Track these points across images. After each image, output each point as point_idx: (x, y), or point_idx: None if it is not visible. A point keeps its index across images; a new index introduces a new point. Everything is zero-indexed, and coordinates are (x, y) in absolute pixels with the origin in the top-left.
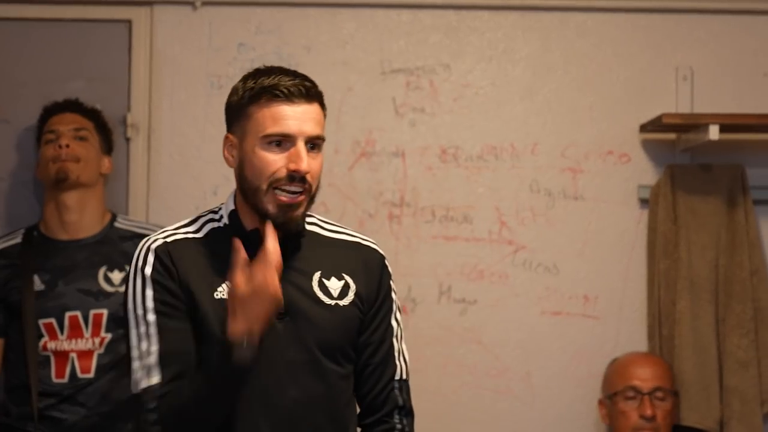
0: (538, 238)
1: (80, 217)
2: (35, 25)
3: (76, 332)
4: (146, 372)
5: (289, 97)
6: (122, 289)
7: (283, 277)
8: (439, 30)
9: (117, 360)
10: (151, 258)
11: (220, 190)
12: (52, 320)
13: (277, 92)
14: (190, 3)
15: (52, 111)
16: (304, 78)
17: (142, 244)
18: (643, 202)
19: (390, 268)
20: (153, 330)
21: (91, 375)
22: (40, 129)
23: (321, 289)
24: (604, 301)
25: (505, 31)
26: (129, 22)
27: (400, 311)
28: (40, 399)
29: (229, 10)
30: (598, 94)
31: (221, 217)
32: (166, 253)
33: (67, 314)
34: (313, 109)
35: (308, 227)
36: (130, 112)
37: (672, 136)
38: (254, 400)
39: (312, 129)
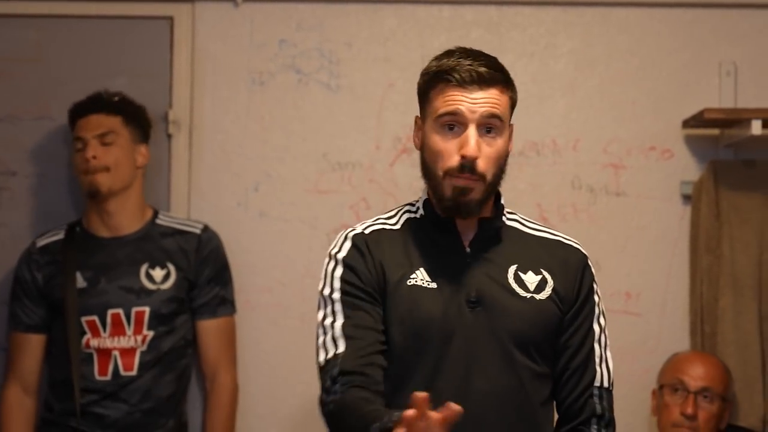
0: (580, 234)
1: (121, 217)
2: (77, 22)
3: (118, 330)
4: (333, 342)
5: (462, 83)
6: (164, 286)
7: (478, 268)
8: (480, 26)
9: (159, 357)
10: (347, 245)
11: (261, 187)
12: (95, 317)
13: (449, 77)
14: (232, 0)
15: (76, 113)
16: (484, 64)
17: (340, 235)
18: (686, 198)
19: (594, 270)
20: (338, 307)
21: (134, 372)
22: (72, 131)
23: (516, 282)
24: (646, 298)
25: (546, 26)
26: (171, 18)
27: (604, 316)
28: (83, 395)
29: (270, 7)
30: (641, 89)
31: (417, 208)
32: (362, 241)
33: (110, 312)
34: (488, 93)
35: (509, 222)
36: (171, 109)
37: (715, 131)
38: (441, 390)
39: (484, 109)
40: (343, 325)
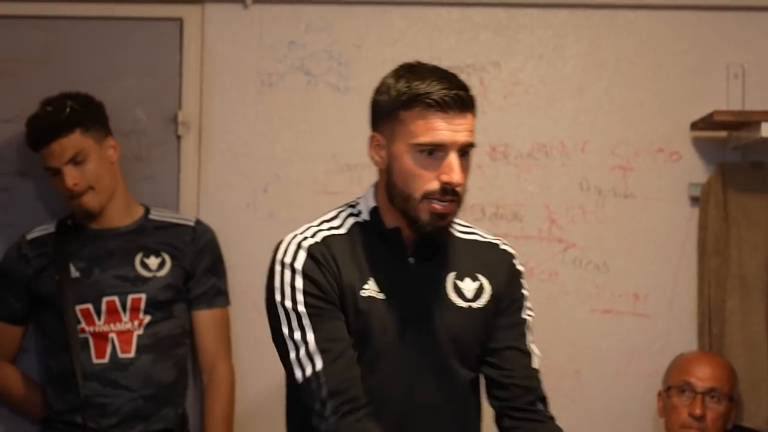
0: (588, 236)
1: (110, 212)
2: (86, 23)
3: (113, 317)
4: (308, 358)
5: (444, 107)
6: (160, 274)
7: (420, 279)
8: (488, 28)
9: (157, 341)
10: (302, 254)
11: (270, 188)
12: (89, 306)
13: (431, 101)
14: (241, 1)
15: (35, 145)
16: (459, 86)
17: (289, 242)
18: (694, 200)
19: (521, 267)
20: (306, 321)
21: (132, 354)
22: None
23: (455, 291)
24: (654, 300)
25: (555, 28)
26: (180, 20)
27: (531, 310)
28: (84, 384)
29: (279, 8)
30: (649, 91)
31: (360, 212)
32: (318, 251)
33: (104, 299)
34: (466, 119)
35: None
36: (180, 110)
37: (723, 133)
38: (385, 403)
39: (465, 138)
40: (317, 340)
